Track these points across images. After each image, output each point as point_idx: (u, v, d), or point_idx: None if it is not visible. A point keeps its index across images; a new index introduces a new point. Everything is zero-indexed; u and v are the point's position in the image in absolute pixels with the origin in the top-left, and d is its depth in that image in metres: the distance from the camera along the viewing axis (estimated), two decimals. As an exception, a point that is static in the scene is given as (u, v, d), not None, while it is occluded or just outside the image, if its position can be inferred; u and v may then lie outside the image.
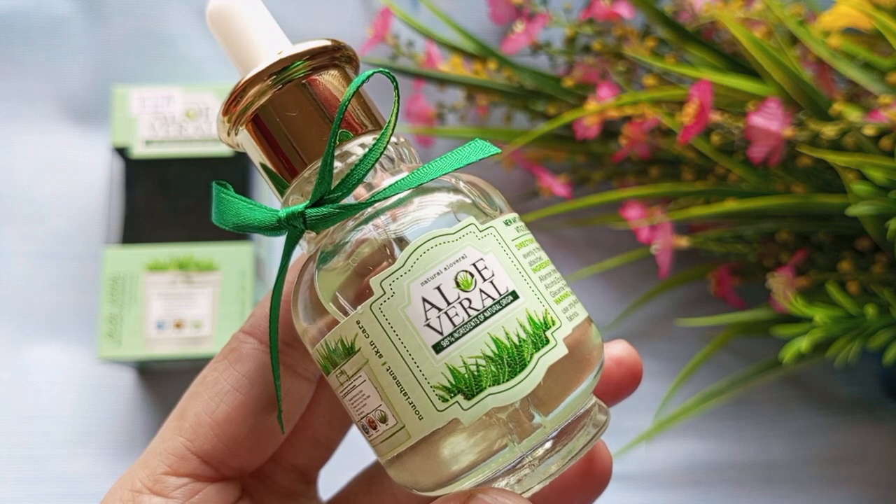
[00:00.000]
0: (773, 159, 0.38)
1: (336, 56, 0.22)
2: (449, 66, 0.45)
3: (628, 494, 0.43)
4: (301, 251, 0.23)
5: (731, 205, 0.40)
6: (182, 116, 0.42)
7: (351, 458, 0.29)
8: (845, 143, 0.37)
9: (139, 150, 0.42)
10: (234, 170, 0.42)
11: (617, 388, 0.25)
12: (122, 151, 0.42)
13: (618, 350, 0.25)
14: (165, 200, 0.42)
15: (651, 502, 0.43)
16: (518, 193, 0.47)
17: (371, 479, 0.27)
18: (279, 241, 0.45)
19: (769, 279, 0.39)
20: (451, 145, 0.48)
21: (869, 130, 0.36)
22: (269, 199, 0.45)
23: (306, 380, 0.24)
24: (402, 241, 0.20)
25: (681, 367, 0.44)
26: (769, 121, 0.37)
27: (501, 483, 0.20)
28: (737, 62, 0.42)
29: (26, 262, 0.45)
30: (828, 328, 0.36)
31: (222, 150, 0.42)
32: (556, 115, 0.44)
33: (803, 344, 0.36)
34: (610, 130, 0.44)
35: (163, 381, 0.44)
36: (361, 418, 0.21)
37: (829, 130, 0.37)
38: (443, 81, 0.45)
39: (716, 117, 0.39)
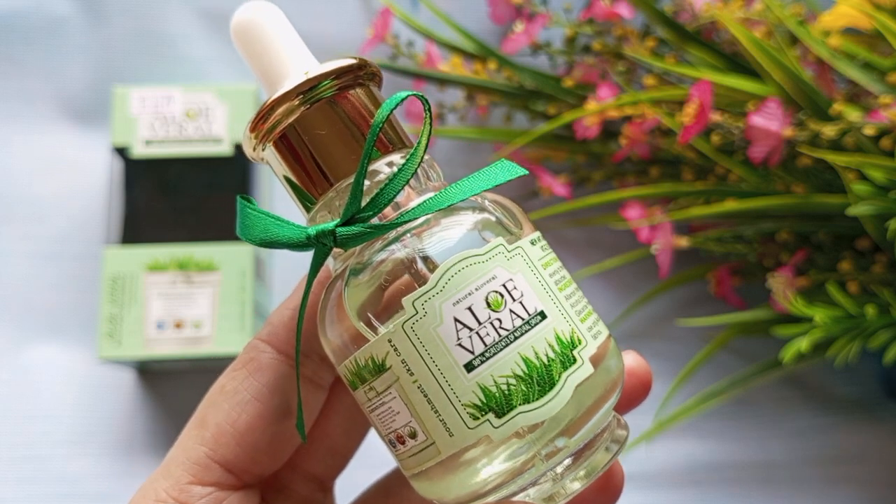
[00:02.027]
0: (773, 159, 0.38)
1: (360, 74, 0.22)
2: (449, 66, 0.45)
3: (628, 494, 0.43)
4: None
5: (731, 205, 0.40)
6: (182, 116, 0.42)
7: (362, 461, 0.29)
8: (845, 143, 0.37)
9: (139, 150, 0.42)
10: (233, 170, 0.42)
11: (627, 398, 0.25)
12: (122, 151, 0.42)
13: (628, 361, 0.25)
14: (165, 200, 0.42)
15: (651, 502, 0.43)
16: (518, 193, 0.47)
17: (388, 490, 0.27)
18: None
19: (769, 279, 0.39)
20: (452, 145, 0.48)
21: (869, 130, 0.36)
22: (268, 201, 0.45)
23: (321, 388, 0.25)
24: (429, 261, 0.20)
25: (681, 367, 0.44)
26: (769, 121, 0.37)
27: (522, 496, 0.21)
28: (737, 62, 0.42)
29: (26, 262, 0.45)
30: (828, 328, 0.36)
31: (222, 150, 0.42)
32: (556, 115, 0.44)
33: (803, 344, 0.36)
34: (610, 130, 0.44)
35: (163, 381, 0.44)
36: (389, 433, 0.21)
37: (829, 130, 0.37)
38: (443, 81, 0.45)
39: (716, 117, 0.39)
